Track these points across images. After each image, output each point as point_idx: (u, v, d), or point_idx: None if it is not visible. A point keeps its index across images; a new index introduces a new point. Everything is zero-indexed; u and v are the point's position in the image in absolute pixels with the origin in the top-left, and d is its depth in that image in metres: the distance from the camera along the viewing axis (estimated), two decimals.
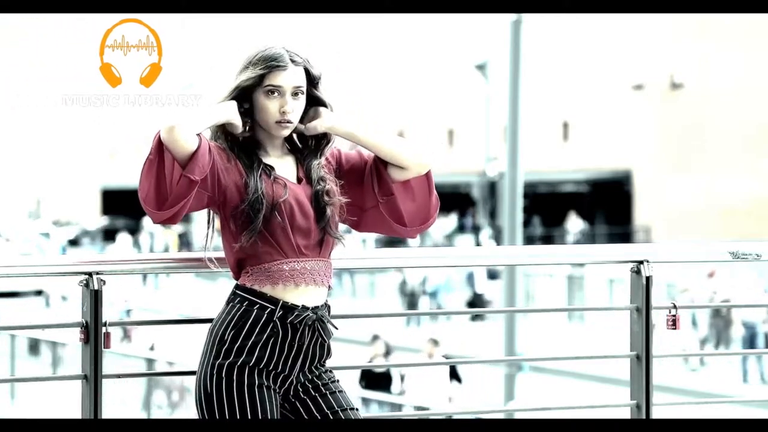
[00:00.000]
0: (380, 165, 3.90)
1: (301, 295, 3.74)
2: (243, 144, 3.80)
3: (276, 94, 3.73)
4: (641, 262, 4.58)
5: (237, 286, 3.76)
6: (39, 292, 31.57)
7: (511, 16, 15.18)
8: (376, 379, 14.64)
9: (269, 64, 3.72)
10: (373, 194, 3.89)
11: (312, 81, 3.81)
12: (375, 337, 15.51)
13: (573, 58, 38.84)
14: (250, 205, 3.68)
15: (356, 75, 45.11)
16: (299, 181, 3.81)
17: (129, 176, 52.41)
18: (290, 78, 3.73)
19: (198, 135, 3.64)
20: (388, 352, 15.49)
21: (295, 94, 3.75)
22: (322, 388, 3.80)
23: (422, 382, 14.58)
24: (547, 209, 39.00)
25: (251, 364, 3.68)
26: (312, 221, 3.75)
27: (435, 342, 15.06)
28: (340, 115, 3.86)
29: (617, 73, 37.81)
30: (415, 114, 43.66)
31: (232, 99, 3.76)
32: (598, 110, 38.59)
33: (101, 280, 4.00)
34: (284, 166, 3.82)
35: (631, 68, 37.45)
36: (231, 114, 3.74)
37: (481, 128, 37.66)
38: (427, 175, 3.98)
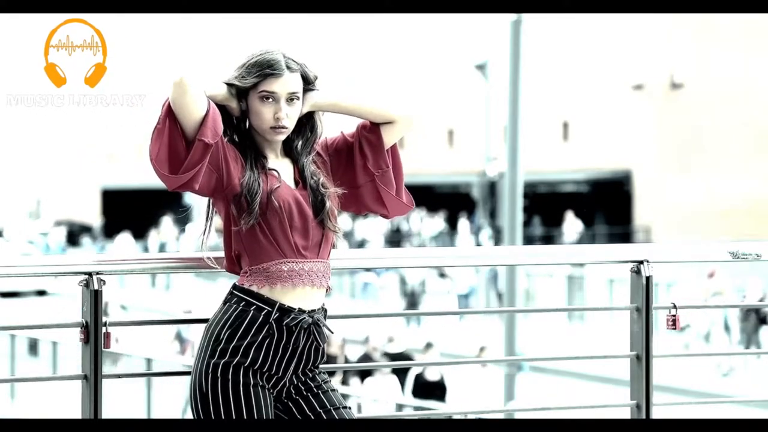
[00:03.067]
0: (373, 136, 3.89)
1: (298, 298, 3.74)
2: (241, 143, 3.80)
3: (270, 99, 3.72)
4: (641, 262, 4.58)
5: (234, 286, 3.76)
6: (41, 292, 31.55)
7: (511, 16, 15.17)
8: (429, 389, 14.42)
9: (264, 71, 3.70)
10: (365, 169, 3.89)
11: (309, 84, 3.80)
12: (428, 345, 15.40)
13: (573, 58, 38.83)
14: (247, 190, 3.68)
15: (356, 75, 45.07)
16: (297, 183, 3.81)
17: (129, 176, 52.42)
18: (285, 84, 3.72)
19: (207, 99, 3.62)
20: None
21: (290, 99, 3.74)
22: (315, 389, 3.81)
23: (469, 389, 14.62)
24: (547, 209, 38.98)
25: (246, 365, 3.68)
26: (310, 222, 3.75)
27: (482, 349, 15.10)
28: (321, 91, 3.85)
29: (617, 73, 37.80)
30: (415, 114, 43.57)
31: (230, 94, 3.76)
32: (598, 110, 38.58)
33: (101, 280, 4.00)
34: (282, 168, 3.82)
35: (631, 68, 37.44)
36: (227, 92, 3.74)
37: (481, 128, 37.64)
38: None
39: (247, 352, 3.68)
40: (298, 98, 3.76)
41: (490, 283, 26.91)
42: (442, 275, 26.05)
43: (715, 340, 20.44)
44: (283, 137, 3.78)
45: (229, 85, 3.74)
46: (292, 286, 3.72)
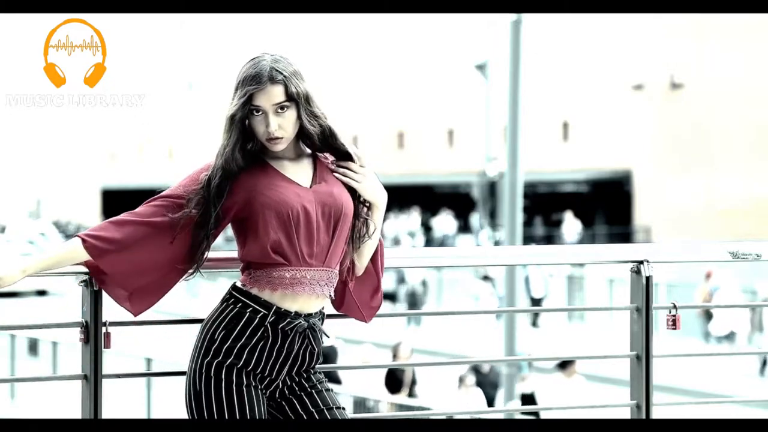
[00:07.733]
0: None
1: (297, 302, 3.71)
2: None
3: (260, 113, 3.66)
4: (641, 262, 4.58)
5: (234, 287, 3.74)
6: (41, 292, 31.50)
7: (511, 16, 15.18)
8: (522, 402, 14.34)
9: (247, 88, 3.64)
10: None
11: (293, 98, 3.68)
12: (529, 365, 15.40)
13: (573, 58, 38.82)
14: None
15: (356, 75, 45.08)
16: (313, 183, 3.76)
17: (129, 176, 52.39)
18: (269, 97, 3.64)
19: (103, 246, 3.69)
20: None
21: (278, 111, 3.66)
22: (309, 388, 3.79)
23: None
24: (547, 209, 38.97)
25: (239, 366, 3.67)
26: (315, 229, 3.70)
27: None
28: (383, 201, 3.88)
29: (617, 73, 37.80)
30: (415, 114, 43.65)
31: (231, 126, 3.69)
32: (598, 110, 38.58)
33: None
34: (299, 168, 3.77)
35: (631, 68, 37.43)
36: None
37: (481, 128, 37.64)
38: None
39: (241, 354, 3.67)
40: (287, 106, 3.67)
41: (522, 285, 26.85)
42: (486, 278, 25.99)
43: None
44: (281, 147, 3.70)
45: (228, 120, 3.69)
46: (292, 292, 3.69)
